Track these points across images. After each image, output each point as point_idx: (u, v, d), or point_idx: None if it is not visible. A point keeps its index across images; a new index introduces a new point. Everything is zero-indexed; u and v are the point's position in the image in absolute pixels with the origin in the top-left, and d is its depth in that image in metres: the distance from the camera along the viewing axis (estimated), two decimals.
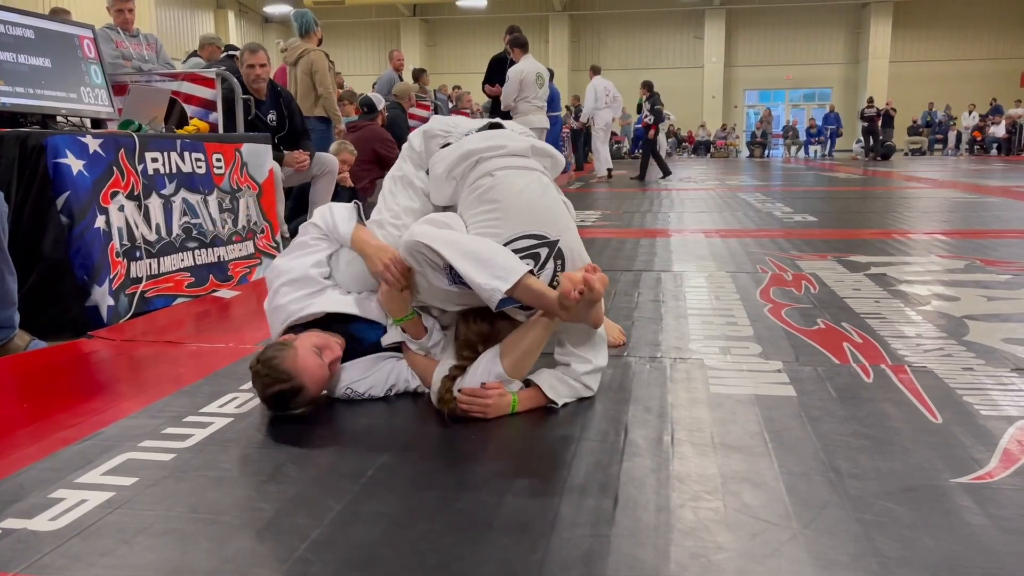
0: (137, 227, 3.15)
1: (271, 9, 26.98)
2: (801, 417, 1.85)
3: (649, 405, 1.97)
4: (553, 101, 11.17)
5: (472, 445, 1.78)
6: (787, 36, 27.84)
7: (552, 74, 12.17)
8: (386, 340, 2.03)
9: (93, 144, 2.96)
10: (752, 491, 1.46)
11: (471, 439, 1.80)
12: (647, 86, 12.91)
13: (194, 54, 6.78)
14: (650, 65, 27.83)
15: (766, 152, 24.63)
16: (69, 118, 3.30)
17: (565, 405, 1.95)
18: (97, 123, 3.48)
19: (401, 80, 8.88)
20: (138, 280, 3.11)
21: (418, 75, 9.99)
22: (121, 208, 3.07)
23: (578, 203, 8.13)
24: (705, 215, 6.78)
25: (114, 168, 3.05)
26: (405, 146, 2.24)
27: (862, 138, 21.30)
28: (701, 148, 26.37)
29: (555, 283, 1.88)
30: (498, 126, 2.18)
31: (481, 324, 1.94)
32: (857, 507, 1.39)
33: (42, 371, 2.47)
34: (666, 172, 12.55)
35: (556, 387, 1.94)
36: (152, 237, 3.24)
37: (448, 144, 2.10)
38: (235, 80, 4.48)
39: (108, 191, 3.00)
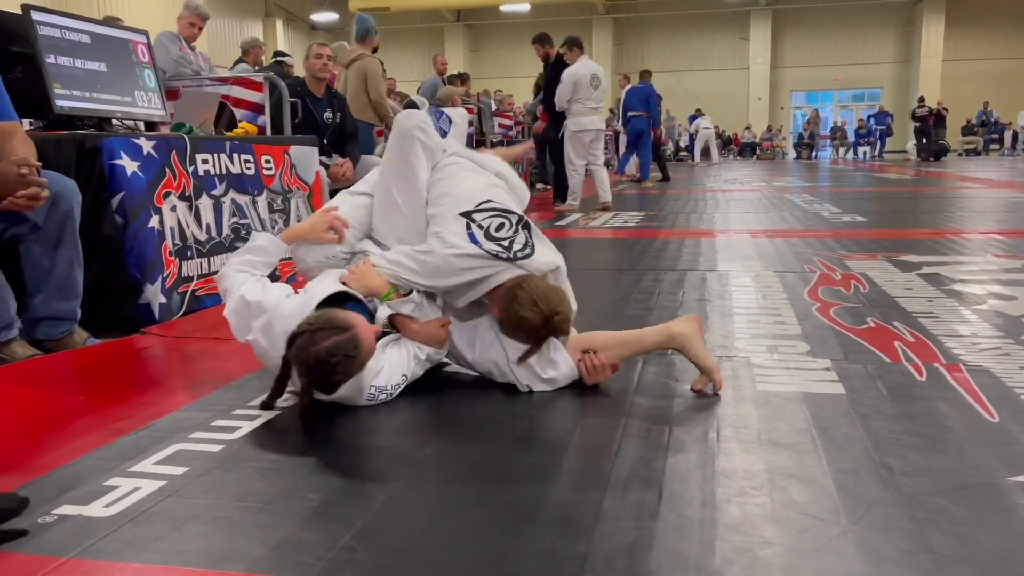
0: (188, 227, 3.22)
1: (317, 17, 27.50)
2: (851, 415, 1.81)
3: (694, 402, 1.95)
4: (647, 101, 11.07)
5: (515, 438, 1.78)
6: (835, 36, 27.34)
7: (650, 74, 12.07)
8: (381, 317, 2.05)
9: (147, 146, 3.03)
10: (800, 487, 1.44)
11: (515, 432, 1.80)
12: None
13: (240, 61, 6.93)
14: (695, 67, 27.58)
15: (813, 154, 24.21)
16: (124, 121, 3.39)
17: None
18: (150, 126, 3.57)
19: (445, 84, 8.93)
20: (189, 279, 3.18)
21: (454, 80, 9.80)
22: (173, 208, 3.14)
23: (620, 204, 8.15)
24: (751, 216, 6.68)
25: (166, 169, 3.12)
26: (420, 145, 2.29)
27: (915, 139, 20.84)
28: (747, 150, 26.06)
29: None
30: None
31: None
32: (909, 504, 1.35)
33: (98, 365, 2.54)
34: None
35: None
36: (203, 237, 3.31)
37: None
38: (283, 84, 4.57)
39: (161, 191, 3.07)
